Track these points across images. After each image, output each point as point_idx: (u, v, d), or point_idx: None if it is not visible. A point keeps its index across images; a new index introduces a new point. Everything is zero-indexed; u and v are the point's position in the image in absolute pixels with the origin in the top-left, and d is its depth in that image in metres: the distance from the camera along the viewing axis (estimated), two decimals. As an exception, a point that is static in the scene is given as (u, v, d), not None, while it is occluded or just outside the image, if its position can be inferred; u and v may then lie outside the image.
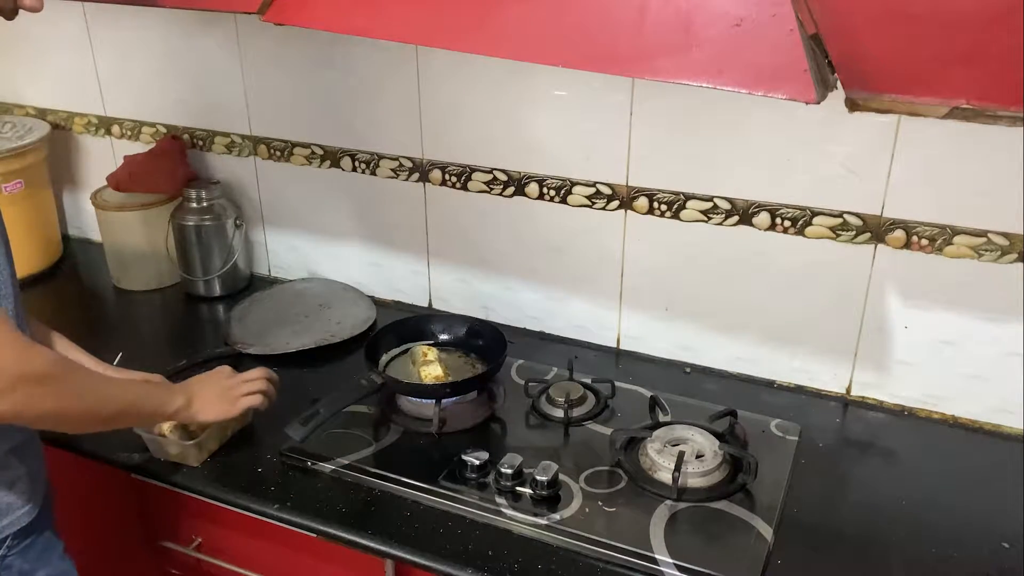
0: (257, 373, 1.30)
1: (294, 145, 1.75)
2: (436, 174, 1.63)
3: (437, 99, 1.57)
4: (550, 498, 1.17)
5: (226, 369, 1.29)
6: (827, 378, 1.45)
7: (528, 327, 1.66)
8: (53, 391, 0.96)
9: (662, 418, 1.35)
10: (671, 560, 1.07)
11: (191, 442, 1.25)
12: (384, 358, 1.48)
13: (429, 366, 1.42)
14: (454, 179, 1.62)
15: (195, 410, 1.20)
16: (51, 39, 1.92)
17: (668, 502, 1.17)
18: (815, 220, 1.35)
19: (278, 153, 1.78)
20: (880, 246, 1.32)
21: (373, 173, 1.69)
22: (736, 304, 1.46)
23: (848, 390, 1.44)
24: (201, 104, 1.82)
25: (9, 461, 1.06)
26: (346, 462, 1.26)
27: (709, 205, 1.42)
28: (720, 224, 1.42)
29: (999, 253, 1.25)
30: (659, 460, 1.22)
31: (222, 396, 1.24)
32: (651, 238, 1.48)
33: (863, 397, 1.43)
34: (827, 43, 0.93)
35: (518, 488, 1.19)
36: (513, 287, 1.64)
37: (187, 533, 1.35)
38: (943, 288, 1.31)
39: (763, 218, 1.38)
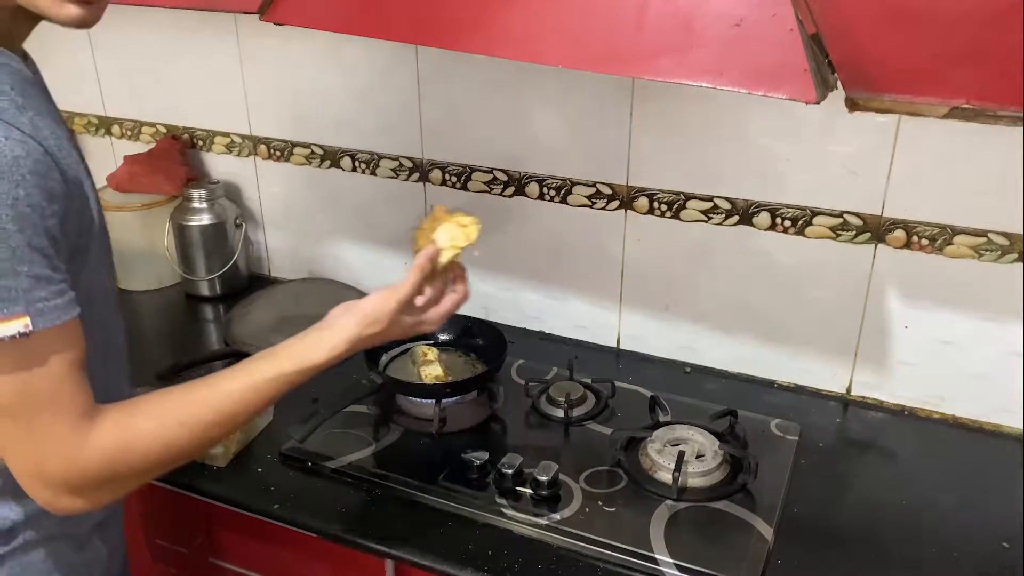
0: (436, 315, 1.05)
1: (294, 145, 1.75)
2: (436, 174, 1.63)
3: (437, 99, 1.57)
4: (550, 498, 1.17)
5: (408, 295, 1.00)
6: (827, 378, 1.44)
7: (528, 327, 1.66)
8: (120, 481, 0.84)
9: (662, 418, 1.35)
10: (671, 560, 1.07)
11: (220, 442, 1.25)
12: (384, 358, 1.48)
13: (429, 366, 1.42)
14: (454, 179, 1.61)
15: (361, 347, 0.98)
16: (50, 38, 1.91)
17: (668, 502, 1.17)
18: (815, 220, 1.35)
19: (278, 153, 1.78)
20: (880, 246, 1.32)
21: (373, 173, 1.69)
22: (736, 304, 1.46)
23: (848, 390, 1.44)
24: (201, 104, 1.82)
25: (92, 540, 0.97)
26: (346, 462, 1.26)
27: (709, 205, 1.42)
28: (720, 224, 1.42)
29: (999, 253, 1.25)
30: (659, 460, 1.22)
31: (400, 332, 1.02)
32: (651, 238, 1.48)
33: (863, 397, 1.43)
34: (827, 43, 0.93)
35: (518, 488, 1.19)
36: (513, 287, 1.64)
37: (187, 533, 1.35)
38: (943, 288, 1.31)
39: (763, 218, 1.38)
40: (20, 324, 0.74)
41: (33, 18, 0.84)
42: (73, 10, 0.80)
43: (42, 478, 0.80)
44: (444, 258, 1.06)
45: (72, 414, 0.79)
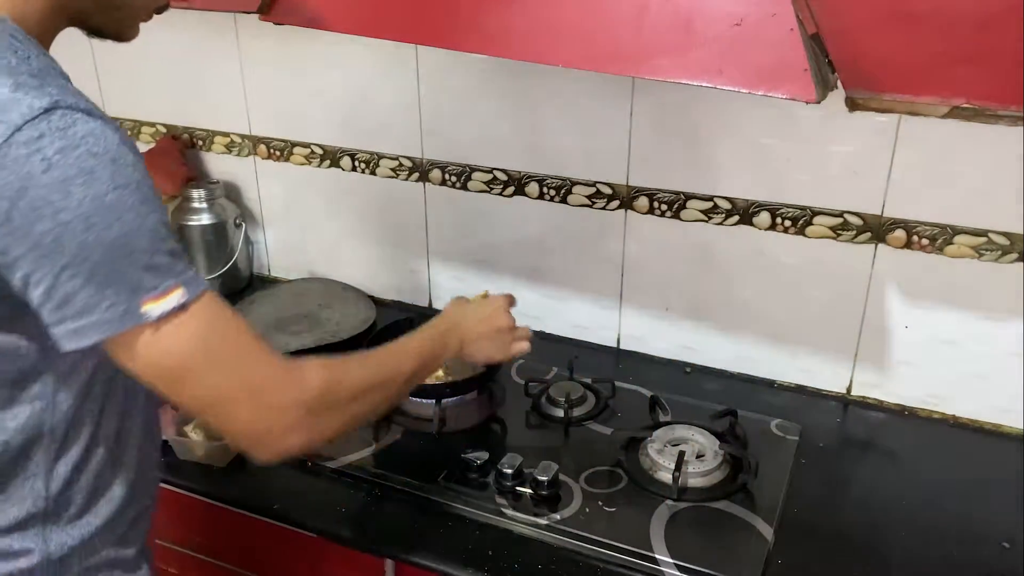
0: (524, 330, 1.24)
1: (294, 145, 1.75)
2: (436, 174, 1.63)
3: (437, 99, 1.57)
4: (550, 498, 1.17)
5: (501, 306, 1.21)
6: (828, 378, 1.44)
7: (528, 327, 1.66)
8: (338, 410, 0.87)
9: (662, 418, 1.35)
10: (671, 560, 1.07)
11: (218, 443, 1.25)
12: (384, 358, 1.48)
13: (429, 366, 1.42)
14: (454, 179, 1.61)
15: (468, 353, 1.15)
16: (51, 39, 1.91)
17: (668, 502, 1.17)
18: (815, 220, 1.35)
19: (278, 153, 1.78)
20: (881, 246, 1.32)
21: (373, 173, 1.69)
22: (736, 304, 1.46)
23: (849, 390, 1.44)
24: (201, 104, 1.82)
25: (140, 564, 0.95)
26: (346, 462, 1.26)
27: (709, 205, 1.42)
28: (721, 224, 1.42)
29: (1000, 253, 1.25)
30: (659, 460, 1.22)
31: (494, 339, 1.18)
32: (651, 238, 1.48)
33: (864, 397, 1.43)
34: (827, 42, 0.93)
35: (518, 488, 1.19)
36: (513, 287, 1.64)
37: (186, 533, 1.35)
38: (944, 288, 1.30)
39: (763, 218, 1.38)
40: (178, 295, 0.74)
41: (67, 22, 0.85)
42: (138, 30, 0.89)
43: (268, 420, 0.82)
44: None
45: (276, 356, 0.82)
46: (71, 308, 0.72)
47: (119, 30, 0.88)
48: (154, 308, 0.73)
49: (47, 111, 0.70)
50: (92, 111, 0.74)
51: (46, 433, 0.83)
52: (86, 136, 0.71)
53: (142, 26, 0.91)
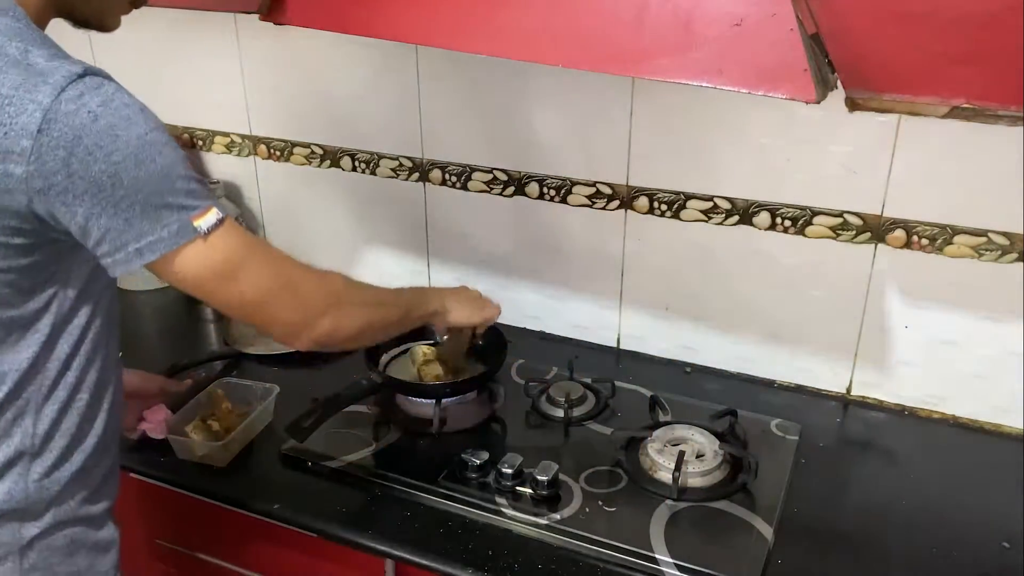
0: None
1: (294, 145, 1.75)
2: (436, 174, 1.63)
3: (437, 99, 1.57)
4: (550, 498, 1.17)
5: (467, 285, 1.36)
6: (827, 378, 1.44)
7: (528, 327, 1.66)
8: (356, 307, 1.04)
9: (662, 418, 1.35)
10: (671, 560, 1.07)
11: (219, 443, 1.25)
12: (384, 358, 1.48)
13: (429, 366, 1.42)
14: (454, 179, 1.61)
15: (448, 311, 1.25)
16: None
17: (668, 502, 1.17)
18: (815, 220, 1.35)
19: (278, 153, 1.78)
20: (880, 246, 1.32)
21: (373, 173, 1.69)
22: (736, 304, 1.46)
23: (848, 390, 1.44)
24: (201, 104, 1.82)
25: (106, 521, 1.03)
26: (346, 462, 1.26)
27: (709, 205, 1.42)
28: (720, 224, 1.42)
29: (999, 253, 1.25)
30: (659, 460, 1.22)
31: (471, 304, 1.30)
32: (651, 238, 1.48)
33: (863, 397, 1.43)
34: (827, 42, 0.93)
35: (518, 488, 1.19)
36: (513, 287, 1.64)
37: (186, 533, 1.35)
38: (943, 288, 1.31)
39: (763, 218, 1.38)
40: (215, 212, 0.87)
41: (55, 12, 0.94)
42: (119, 21, 1.02)
43: (304, 311, 0.97)
44: None
45: (301, 262, 0.98)
46: (131, 234, 0.83)
47: (101, 20, 0.99)
48: (203, 223, 0.86)
49: (81, 75, 0.81)
50: (108, 76, 0.86)
51: (41, 373, 0.92)
52: (114, 93, 0.84)
53: (143, 26, 0.96)
